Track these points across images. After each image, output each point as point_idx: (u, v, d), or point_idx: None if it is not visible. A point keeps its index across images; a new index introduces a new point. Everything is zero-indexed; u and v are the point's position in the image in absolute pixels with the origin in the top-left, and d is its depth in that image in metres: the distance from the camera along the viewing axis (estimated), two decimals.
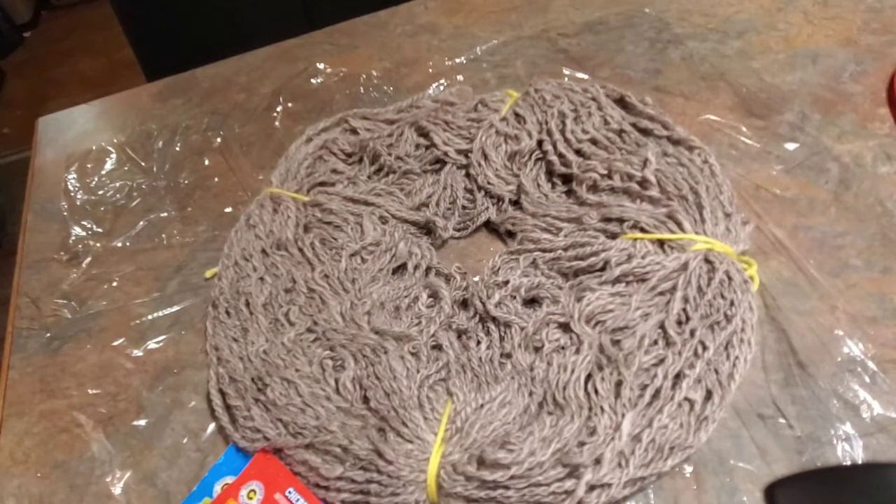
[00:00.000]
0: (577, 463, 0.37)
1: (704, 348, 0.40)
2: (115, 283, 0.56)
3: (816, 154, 0.53)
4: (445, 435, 0.40)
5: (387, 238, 0.51)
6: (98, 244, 0.59)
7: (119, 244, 0.59)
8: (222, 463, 0.43)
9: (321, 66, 0.70)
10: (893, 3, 0.63)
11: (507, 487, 0.37)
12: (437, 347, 0.45)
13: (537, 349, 0.43)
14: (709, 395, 0.40)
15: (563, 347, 0.43)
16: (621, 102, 0.55)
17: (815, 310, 0.45)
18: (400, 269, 0.51)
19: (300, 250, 0.52)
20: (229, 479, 0.42)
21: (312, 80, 0.69)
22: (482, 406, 0.41)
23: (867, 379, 0.41)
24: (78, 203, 0.63)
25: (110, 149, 0.68)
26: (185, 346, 0.50)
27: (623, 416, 0.38)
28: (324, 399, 0.43)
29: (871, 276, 0.46)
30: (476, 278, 0.49)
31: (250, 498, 0.40)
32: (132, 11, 0.86)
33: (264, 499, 0.40)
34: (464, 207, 0.54)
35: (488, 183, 0.53)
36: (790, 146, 0.54)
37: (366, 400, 0.43)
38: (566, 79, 0.63)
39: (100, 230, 0.60)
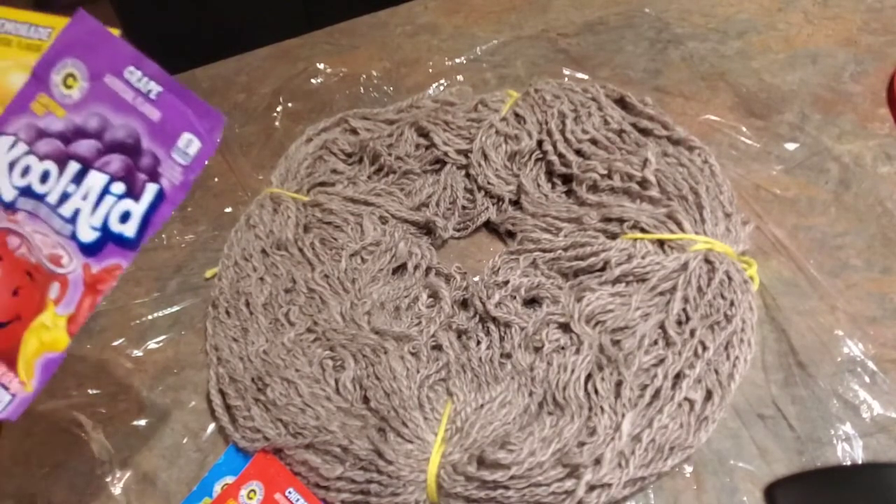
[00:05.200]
0: (577, 463, 0.37)
1: (704, 348, 0.40)
2: (114, 283, 0.55)
3: (816, 154, 0.53)
4: (445, 435, 0.40)
5: (387, 238, 0.51)
6: None
7: None
8: (222, 463, 0.43)
9: (321, 66, 0.70)
10: (893, 3, 0.63)
11: (507, 487, 0.37)
12: (437, 347, 0.45)
13: (537, 349, 0.43)
14: (709, 395, 0.40)
15: (563, 347, 0.43)
16: (621, 102, 0.55)
17: (815, 310, 0.45)
18: (400, 269, 0.51)
19: (300, 250, 0.52)
20: (229, 479, 0.42)
21: (312, 80, 0.69)
22: (482, 406, 0.41)
23: (867, 379, 0.41)
24: None
25: None
26: (185, 346, 0.50)
27: (623, 416, 0.38)
28: (324, 399, 0.43)
29: (871, 276, 0.46)
30: (476, 278, 0.49)
31: (250, 498, 0.40)
32: (132, 11, 0.86)
33: (264, 499, 0.40)
34: (464, 207, 0.54)
35: (488, 183, 0.53)
36: (790, 146, 0.54)
37: (366, 400, 0.43)
38: (566, 79, 0.63)
39: None
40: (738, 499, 0.38)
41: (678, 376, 0.40)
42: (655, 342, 0.42)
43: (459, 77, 0.66)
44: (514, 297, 0.46)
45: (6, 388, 0.26)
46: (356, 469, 0.40)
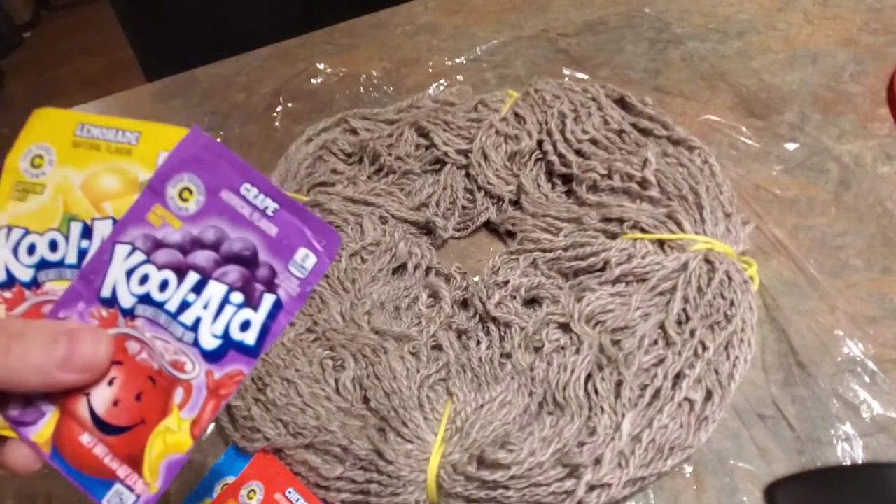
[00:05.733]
0: (577, 463, 0.37)
1: (704, 348, 0.40)
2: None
3: (816, 154, 0.53)
4: (445, 435, 0.40)
5: (387, 238, 0.51)
6: None
7: None
8: (222, 463, 0.43)
9: (321, 66, 0.70)
10: (893, 3, 0.63)
11: (507, 487, 0.37)
12: (437, 347, 0.45)
13: (537, 349, 0.43)
14: (709, 395, 0.40)
15: (563, 347, 0.43)
16: (621, 102, 0.55)
17: (815, 310, 0.45)
18: (400, 269, 0.51)
19: None
20: (229, 480, 0.42)
21: (312, 80, 0.69)
22: (482, 406, 0.41)
23: (867, 379, 0.41)
24: None
25: None
26: None
27: (623, 416, 0.38)
28: (324, 399, 0.43)
29: (871, 276, 0.46)
30: (476, 278, 0.49)
31: (250, 498, 0.40)
32: (132, 11, 0.86)
33: (264, 499, 0.40)
34: (464, 207, 0.54)
35: (488, 183, 0.53)
36: (790, 146, 0.54)
37: (366, 400, 0.43)
38: (566, 79, 0.63)
39: None
40: (738, 499, 0.38)
41: (678, 376, 0.40)
42: (655, 342, 0.42)
43: (459, 77, 0.66)
44: (514, 297, 0.46)
45: (131, 490, 0.27)
46: (356, 469, 0.40)
